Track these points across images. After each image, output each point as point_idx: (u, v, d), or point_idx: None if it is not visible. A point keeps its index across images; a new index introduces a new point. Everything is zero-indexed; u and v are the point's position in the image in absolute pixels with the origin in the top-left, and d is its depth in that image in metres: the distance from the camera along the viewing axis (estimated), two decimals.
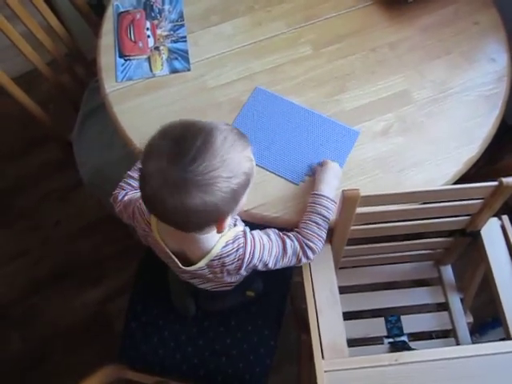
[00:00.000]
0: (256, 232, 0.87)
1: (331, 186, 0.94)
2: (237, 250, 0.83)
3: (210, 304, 1.13)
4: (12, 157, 1.88)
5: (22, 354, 1.58)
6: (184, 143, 0.69)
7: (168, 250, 0.84)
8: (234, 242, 0.83)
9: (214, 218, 0.73)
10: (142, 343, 1.13)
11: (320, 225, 0.91)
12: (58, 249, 1.72)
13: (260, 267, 0.88)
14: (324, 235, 0.92)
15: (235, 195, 0.72)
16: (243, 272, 0.88)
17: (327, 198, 0.92)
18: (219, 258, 0.83)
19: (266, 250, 0.86)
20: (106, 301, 1.63)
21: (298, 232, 0.91)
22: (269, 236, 0.88)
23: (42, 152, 1.85)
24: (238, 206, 0.76)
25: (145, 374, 1.14)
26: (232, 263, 0.84)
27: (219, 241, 0.82)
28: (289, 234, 0.91)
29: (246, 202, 0.80)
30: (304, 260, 0.90)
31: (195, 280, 0.97)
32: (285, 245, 0.88)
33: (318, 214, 0.91)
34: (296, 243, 0.89)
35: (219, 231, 0.78)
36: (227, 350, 1.12)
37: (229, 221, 0.77)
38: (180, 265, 0.84)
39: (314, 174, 0.99)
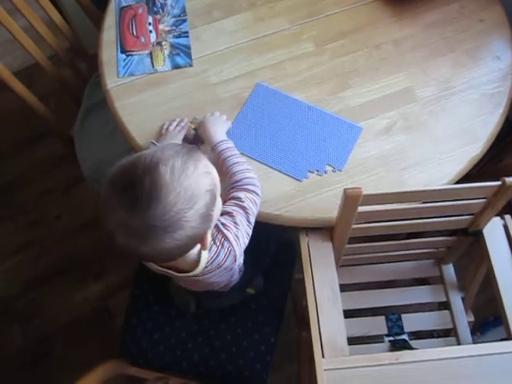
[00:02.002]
0: (221, 219, 0.85)
1: (220, 131, 0.98)
2: (222, 246, 0.83)
3: (210, 301, 1.13)
4: (13, 151, 1.88)
5: (23, 348, 1.59)
6: (133, 190, 0.65)
7: (157, 267, 0.83)
8: (215, 241, 0.83)
9: (194, 243, 0.73)
10: (143, 339, 1.13)
11: (238, 162, 0.93)
12: (59, 244, 1.72)
13: (247, 240, 0.87)
14: (247, 165, 0.93)
15: (205, 215, 0.70)
16: (240, 260, 0.87)
17: (223, 141, 0.96)
18: (212, 262, 0.83)
19: (239, 223, 0.85)
20: (106, 296, 1.64)
21: (234, 185, 0.91)
22: (228, 213, 0.86)
23: (43, 147, 1.85)
24: (214, 218, 0.75)
25: (145, 370, 1.14)
26: (226, 258, 0.84)
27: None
28: (233, 194, 0.89)
29: (221, 207, 0.80)
30: (257, 196, 0.90)
31: (191, 286, 0.97)
32: (242, 205, 0.87)
33: (230, 156, 0.93)
34: (242, 194, 0.88)
35: (204, 248, 0.78)
36: (227, 347, 1.12)
37: (209, 235, 0.76)
38: (173, 273, 0.83)
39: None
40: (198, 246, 0.79)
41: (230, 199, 0.89)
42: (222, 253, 0.83)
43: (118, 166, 0.69)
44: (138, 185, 0.66)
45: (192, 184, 0.68)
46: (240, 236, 0.85)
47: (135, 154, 0.71)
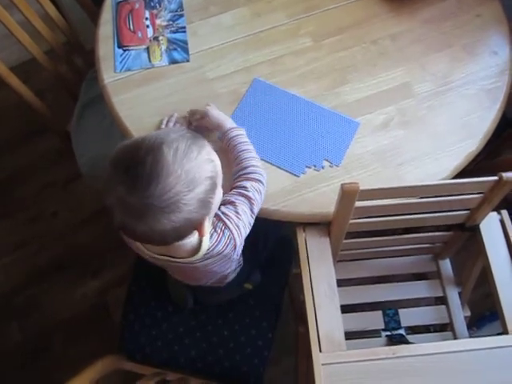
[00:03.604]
0: (223, 208, 0.86)
1: (225, 118, 0.98)
2: (223, 234, 0.83)
3: (207, 297, 1.13)
4: (10, 147, 1.87)
5: (22, 344, 1.59)
6: (135, 170, 0.66)
7: (155, 255, 0.83)
8: (215, 229, 0.83)
9: (190, 228, 0.73)
10: (141, 335, 1.14)
11: (246, 149, 0.93)
12: (57, 240, 1.72)
13: (248, 229, 0.87)
14: (254, 154, 0.93)
15: (204, 201, 0.71)
16: (239, 250, 0.88)
17: (232, 129, 0.95)
18: (213, 249, 0.83)
19: (241, 213, 0.85)
20: (105, 292, 1.64)
21: (240, 172, 0.91)
22: (231, 203, 0.86)
23: (41, 142, 1.85)
24: (214, 205, 0.75)
25: (143, 365, 1.15)
26: (226, 246, 0.84)
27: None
28: (238, 183, 0.90)
29: (221, 197, 0.80)
30: (262, 185, 0.90)
31: (186, 279, 0.97)
32: (247, 196, 0.87)
33: (238, 143, 0.93)
34: (248, 183, 0.89)
35: (201, 235, 0.78)
36: (225, 342, 1.12)
37: (207, 223, 0.76)
38: (171, 258, 0.83)
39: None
40: (198, 235, 0.79)
41: (235, 187, 0.89)
42: (222, 241, 0.83)
43: (123, 145, 0.70)
44: (139, 164, 0.66)
45: (193, 168, 0.69)
46: (241, 226, 0.85)
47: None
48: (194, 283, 1.01)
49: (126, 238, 0.84)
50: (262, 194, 0.90)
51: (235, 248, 0.86)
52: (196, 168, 0.69)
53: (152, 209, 0.66)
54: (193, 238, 0.79)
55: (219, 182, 0.76)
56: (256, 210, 0.89)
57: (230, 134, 0.96)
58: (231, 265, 0.96)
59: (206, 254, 0.83)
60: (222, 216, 0.84)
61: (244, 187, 0.88)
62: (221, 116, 0.99)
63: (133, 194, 0.66)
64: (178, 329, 1.14)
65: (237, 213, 0.85)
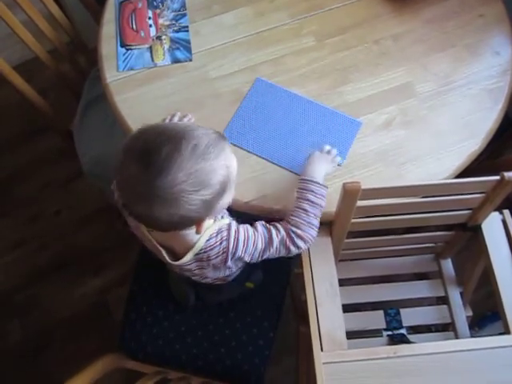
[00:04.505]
0: (242, 225, 0.85)
1: (318, 168, 0.91)
2: (220, 243, 0.82)
3: (209, 295, 1.13)
4: (12, 146, 1.88)
5: (22, 343, 1.59)
6: (149, 156, 0.67)
7: (156, 243, 0.83)
8: (217, 235, 0.82)
9: (187, 223, 0.73)
10: (142, 333, 1.14)
11: (308, 211, 0.87)
12: (58, 239, 1.73)
13: (247, 259, 0.86)
14: (315, 222, 0.87)
15: (209, 203, 0.70)
16: (230, 264, 0.87)
17: (312, 181, 0.88)
18: (204, 252, 0.83)
19: (251, 241, 0.83)
20: (105, 291, 1.64)
21: (286, 221, 0.88)
22: (255, 228, 0.86)
23: (43, 141, 1.85)
24: (218, 209, 0.75)
25: (144, 364, 1.15)
26: (217, 257, 0.84)
27: (203, 235, 0.81)
28: (276, 223, 0.88)
29: (230, 201, 0.79)
30: (293, 249, 0.86)
31: (188, 273, 0.97)
32: (271, 235, 0.85)
33: (306, 199, 0.87)
34: (282, 232, 0.86)
35: (198, 232, 0.77)
36: (226, 341, 1.12)
37: (206, 223, 0.76)
38: (167, 258, 0.84)
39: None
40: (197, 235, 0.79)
41: (274, 222, 0.87)
42: (216, 249, 0.83)
43: (148, 125, 0.71)
44: (155, 151, 0.67)
45: (206, 169, 0.68)
46: (240, 251, 0.83)
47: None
48: (197, 279, 1.00)
49: (132, 222, 0.85)
50: (280, 253, 0.87)
51: (225, 262, 0.85)
52: (209, 169, 0.69)
53: (154, 197, 0.67)
54: (192, 231, 0.78)
55: (230, 186, 0.75)
56: (266, 256, 0.86)
57: (307, 186, 0.89)
58: (226, 271, 0.96)
59: (196, 255, 0.83)
60: (232, 229, 0.83)
61: (277, 230, 0.86)
62: (316, 165, 0.92)
63: (141, 178, 0.67)
64: (180, 327, 1.14)
65: (247, 239, 0.83)
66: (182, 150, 0.67)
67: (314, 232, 0.87)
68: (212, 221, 0.84)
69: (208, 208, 0.71)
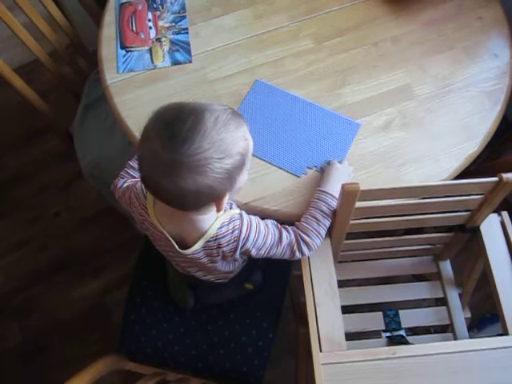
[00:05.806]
0: (254, 217, 0.87)
1: (337, 183, 0.93)
2: (232, 232, 0.84)
3: (208, 297, 1.13)
4: (12, 147, 1.88)
5: (21, 344, 1.59)
6: (175, 126, 0.69)
7: (165, 232, 0.84)
8: (229, 223, 0.84)
9: (210, 197, 0.74)
10: (141, 335, 1.14)
11: (319, 221, 0.91)
12: (58, 240, 1.73)
13: (253, 253, 0.88)
14: (323, 232, 0.92)
15: (230, 175, 0.72)
16: (237, 256, 0.88)
17: (330, 195, 0.92)
18: (215, 239, 0.84)
19: (261, 235, 0.86)
20: (105, 292, 1.64)
21: (296, 226, 0.92)
22: (266, 224, 0.88)
23: (43, 143, 1.86)
24: (236, 185, 0.77)
25: (143, 365, 1.15)
26: (227, 244, 0.85)
27: (215, 222, 0.82)
28: (287, 226, 0.91)
29: (245, 181, 0.81)
30: (298, 254, 0.90)
31: (192, 269, 0.97)
32: (281, 235, 0.89)
33: (319, 210, 0.91)
34: (292, 236, 0.90)
35: (218, 210, 0.79)
36: (225, 343, 1.12)
37: (227, 199, 0.77)
38: (177, 247, 0.84)
39: (321, 170, 0.99)
40: (210, 216, 0.80)
41: (285, 225, 0.91)
42: (227, 237, 0.84)
43: (169, 103, 0.73)
44: (180, 121, 0.69)
45: (228, 140, 0.71)
46: (250, 242, 0.85)
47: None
48: (200, 275, 1.00)
49: (139, 216, 0.86)
50: (285, 255, 0.90)
51: (235, 251, 0.86)
52: (231, 140, 0.71)
53: (181, 166, 0.68)
54: (206, 217, 0.80)
55: (248, 162, 0.77)
56: (271, 254, 0.90)
57: (322, 197, 0.92)
58: (230, 266, 0.96)
59: (207, 242, 0.83)
60: (245, 219, 0.85)
61: (288, 233, 0.89)
62: (334, 178, 0.95)
63: (166, 149, 0.68)
64: (179, 329, 1.14)
65: (258, 232, 0.86)
66: (206, 121, 0.69)
67: (319, 241, 0.92)
68: (228, 206, 0.86)
69: (230, 180, 0.73)
